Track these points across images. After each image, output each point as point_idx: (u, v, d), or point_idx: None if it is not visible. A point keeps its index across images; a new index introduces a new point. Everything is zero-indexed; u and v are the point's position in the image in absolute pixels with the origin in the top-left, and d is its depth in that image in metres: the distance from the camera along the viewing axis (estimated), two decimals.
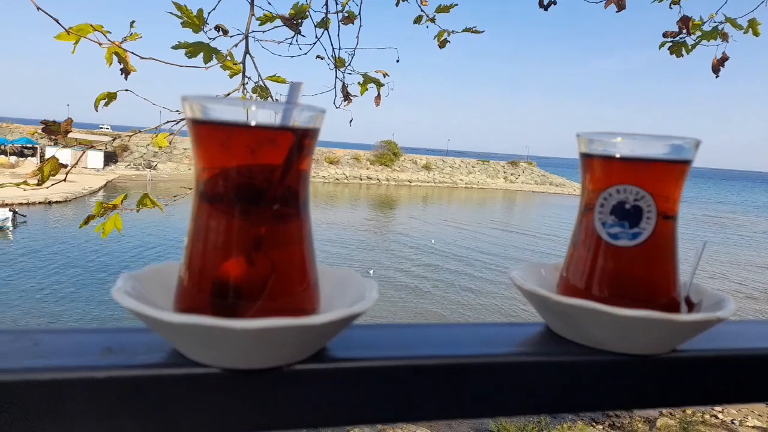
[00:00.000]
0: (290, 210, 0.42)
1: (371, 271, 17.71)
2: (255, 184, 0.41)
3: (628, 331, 0.46)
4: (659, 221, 0.49)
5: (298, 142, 0.41)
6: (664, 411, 10.55)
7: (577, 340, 0.50)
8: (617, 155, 0.50)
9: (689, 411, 10.59)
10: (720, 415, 10.47)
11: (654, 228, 0.49)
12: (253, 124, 0.40)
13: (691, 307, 0.52)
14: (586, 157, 0.53)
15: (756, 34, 2.98)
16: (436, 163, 60.55)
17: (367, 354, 0.44)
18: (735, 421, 10.22)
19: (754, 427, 10.06)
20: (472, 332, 0.52)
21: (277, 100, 2.58)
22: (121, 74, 1.86)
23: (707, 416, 10.43)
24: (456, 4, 2.86)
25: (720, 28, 2.99)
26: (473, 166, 62.76)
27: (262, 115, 0.41)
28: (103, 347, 0.41)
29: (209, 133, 0.41)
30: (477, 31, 2.78)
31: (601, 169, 0.51)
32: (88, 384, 0.38)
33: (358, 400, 0.43)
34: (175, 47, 1.91)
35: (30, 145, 41.52)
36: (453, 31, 2.88)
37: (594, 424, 9.86)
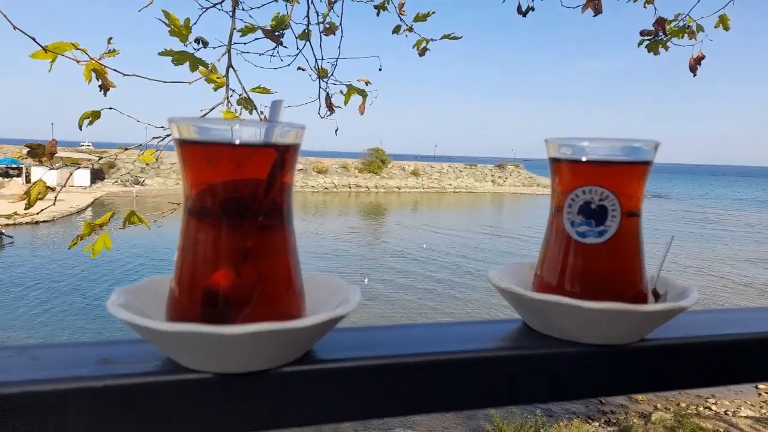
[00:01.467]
0: (275, 221, 0.45)
1: (366, 280, 17.71)
2: (241, 199, 0.43)
3: (597, 323, 0.49)
4: (623, 219, 0.52)
5: (281, 157, 0.44)
6: (659, 405, 10.64)
7: (551, 333, 0.53)
8: (582, 159, 0.53)
9: (683, 404, 10.69)
10: (714, 407, 10.57)
11: (619, 225, 0.52)
12: (237, 142, 0.43)
13: (657, 298, 0.55)
14: (554, 161, 0.56)
15: (726, 28, 3.08)
16: (424, 168, 60.76)
17: (352, 355, 0.46)
18: (728, 412, 10.32)
19: (747, 417, 10.17)
20: (452, 330, 0.54)
21: (261, 112, 2.60)
22: (101, 91, 1.87)
23: (701, 408, 10.52)
24: (433, 12, 2.90)
25: (688, 27, 3.09)
26: (461, 171, 63.07)
27: (246, 134, 0.43)
28: (100, 359, 0.43)
29: (196, 152, 0.44)
30: (455, 37, 2.83)
31: (567, 171, 0.54)
32: (86, 394, 0.41)
33: (344, 398, 0.46)
34: (162, 54, 1.92)
35: (15, 166, 41.10)
36: (432, 39, 2.92)
37: (590, 421, 9.91)
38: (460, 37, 2.82)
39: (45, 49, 1.64)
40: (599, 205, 0.52)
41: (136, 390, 0.41)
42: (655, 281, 0.57)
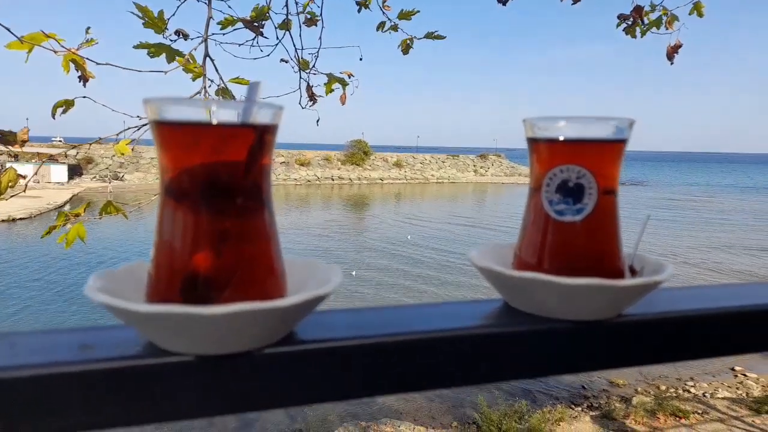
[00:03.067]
0: (254, 203, 0.45)
1: (354, 272, 17.75)
2: (219, 180, 0.43)
3: (575, 299, 0.50)
4: (600, 196, 0.53)
5: (259, 138, 0.44)
6: (639, 389, 10.86)
7: (531, 311, 0.53)
8: (560, 138, 0.54)
9: (663, 387, 10.93)
10: (692, 390, 10.83)
11: (596, 203, 0.53)
12: (215, 122, 0.42)
13: (634, 274, 0.57)
14: (532, 141, 0.56)
15: (700, 15, 3.14)
16: (406, 159, 60.79)
17: (335, 335, 0.47)
18: (707, 394, 10.59)
19: (723, 398, 10.45)
20: (435, 310, 0.55)
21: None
22: (80, 82, 1.83)
23: (680, 391, 10.78)
24: (418, 11, 2.88)
25: (664, 18, 3.14)
26: (443, 161, 63.24)
27: (224, 114, 0.43)
28: (80, 344, 0.43)
29: (173, 133, 0.43)
30: (439, 37, 2.81)
31: (545, 151, 0.55)
32: (67, 378, 0.40)
33: (328, 379, 0.46)
34: (136, 47, 1.89)
35: None
36: (415, 38, 2.91)
37: (573, 406, 10.08)
38: (444, 37, 2.80)
39: (21, 39, 1.60)
40: (576, 183, 0.53)
41: (117, 374, 0.41)
42: (632, 258, 0.58)
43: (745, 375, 11.62)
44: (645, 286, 0.50)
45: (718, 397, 10.44)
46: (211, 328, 0.39)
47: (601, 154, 0.54)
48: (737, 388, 11.03)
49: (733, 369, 11.88)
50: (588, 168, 0.53)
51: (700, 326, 0.55)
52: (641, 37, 3.27)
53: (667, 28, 3.11)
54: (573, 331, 0.52)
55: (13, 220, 27.15)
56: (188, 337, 0.40)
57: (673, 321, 0.55)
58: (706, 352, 0.55)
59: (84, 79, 1.82)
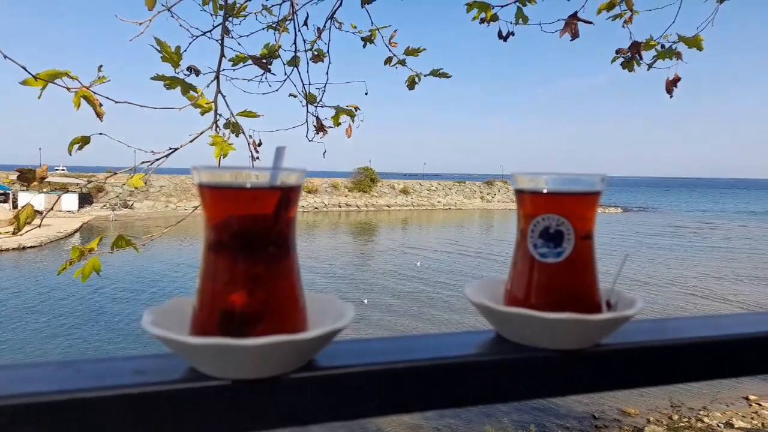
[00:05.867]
0: (281, 251, 0.53)
1: (365, 301, 17.89)
2: (252, 232, 0.52)
3: (557, 331, 0.58)
4: (578, 241, 0.61)
5: (285, 196, 0.53)
6: (651, 418, 10.69)
7: (520, 341, 0.61)
8: (543, 191, 0.63)
9: (675, 417, 10.75)
10: (706, 419, 10.66)
11: (574, 246, 0.61)
12: (248, 186, 0.51)
13: (610, 308, 0.64)
14: (519, 192, 0.65)
15: (699, 49, 3.22)
16: (413, 186, 61.14)
17: (348, 362, 0.55)
18: (720, 424, 10.40)
19: (739, 428, 10.26)
20: (434, 341, 0.63)
21: (251, 136, 2.68)
22: (98, 117, 1.92)
23: (693, 421, 10.59)
24: (424, 49, 3.01)
25: (674, 47, 3.22)
26: (450, 188, 63.53)
27: (256, 179, 0.52)
28: (133, 370, 0.51)
29: (213, 194, 0.52)
30: (445, 75, 2.92)
31: (529, 202, 0.63)
32: (125, 400, 0.48)
33: (342, 400, 0.54)
34: (154, 78, 1.99)
35: (2, 191, 40.74)
36: (422, 74, 3.02)
37: None
38: (449, 76, 2.90)
39: (35, 77, 1.70)
40: (556, 230, 0.61)
41: (166, 396, 0.49)
42: (609, 293, 0.66)
43: (759, 404, 11.41)
44: (617, 320, 0.58)
45: (733, 427, 10.24)
46: (245, 357, 0.48)
47: (577, 205, 0.62)
48: (752, 418, 10.82)
49: (747, 398, 11.68)
50: (566, 216, 0.61)
51: (668, 355, 0.62)
52: (647, 70, 3.33)
53: (677, 59, 3.17)
54: (556, 359, 0.59)
55: (23, 248, 27.43)
56: (226, 364, 0.49)
57: (644, 350, 0.62)
58: (673, 378, 0.62)
59: (98, 114, 1.90)
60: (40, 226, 1.90)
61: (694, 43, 3.20)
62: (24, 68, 1.68)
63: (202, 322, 0.52)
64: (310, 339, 0.48)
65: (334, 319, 0.55)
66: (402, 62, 3.01)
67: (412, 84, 3.09)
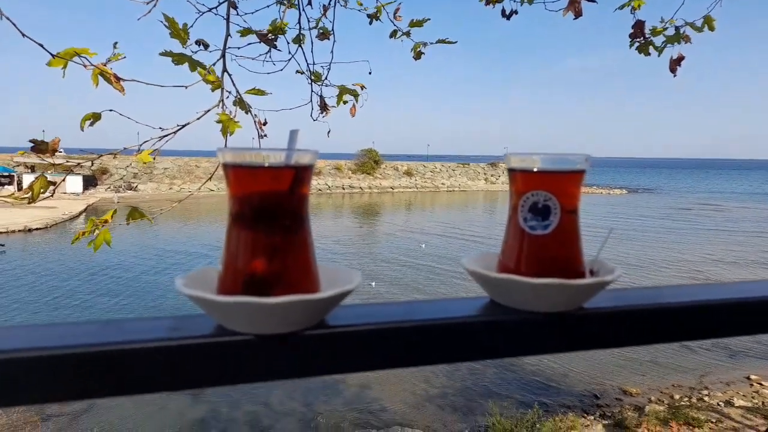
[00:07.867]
0: (296, 224, 0.60)
1: (373, 283, 18.13)
2: (270, 207, 0.58)
3: (543, 295, 0.64)
4: (563, 215, 0.68)
5: (299, 175, 0.59)
6: (653, 398, 10.84)
7: (511, 305, 0.68)
8: (532, 169, 0.69)
9: (677, 396, 10.91)
10: (707, 398, 10.80)
11: (560, 220, 0.67)
12: (266, 165, 0.58)
13: (593, 276, 0.71)
14: (511, 171, 0.71)
15: (711, 29, 3.22)
16: (417, 168, 61.08)
17: (355, 322, 0.62)
18: (721, 403, 10.54)
19: (740, 407, 10.40)
20: (434, 305, 0.70)
21: (256, 115, 2.73)
22: (119, 91, 1.96)
23: (694, 400, 10.74)
24: (428, 19, 3.03)
25: (682, 31, 3.23)
26: (454, 170, 63.44)
27: (273, 159, 0.58)
28: (169, 327, 0.58)
29: (236, 173, 0.59)
30: (450, 42, 2.96)
31: (520, 179, 0.70)
32: (163, 351, 0.55)
33: (351, 355, 0.61)
34: (162, 54, 2.03)
35: (6, 174, 40.94)
36: (427, 43, 3.05)
37: (585, 415, 10.09)
38: (455, 42, 2.94)
39: (54, 56, 1.74)
40: (544, 205, 0.67)
41: (197, 348, 0.56)
42: (592, 263, 0.72)
43: (761, 384, 11.54)
44: (597, 285, 0.64)
45: (734, 406, 10.38)
46: (266, 314, 0.55)
47: (563, 182, 0.68)
48: (753, 397, 10.96)
49: (748, 378, 11.81)
50: (553, 193, 0.67)
51: (646, 318, 0.69)
52: (659, 56, 3.33)
53: (685, 42, 3.18)
54: (543, 321, 0.66)
55: (29, 230, 27.68)
56: (250, 321, 0.56)
57: (624, 313, 0.69)
58: (650, 338, 0.69)
59: (119, 90, 1.94)
60: (53, 194, 1.96)
61: (706, 23, 3.19)
62: (42, 46, 1.73)
63: (228, 285, 0.59)
64: (323, 298, 0.55)
65: (344, 284, 0.61)
66: (407, 33, 3.03)
67: (418, 54, 3.11)
